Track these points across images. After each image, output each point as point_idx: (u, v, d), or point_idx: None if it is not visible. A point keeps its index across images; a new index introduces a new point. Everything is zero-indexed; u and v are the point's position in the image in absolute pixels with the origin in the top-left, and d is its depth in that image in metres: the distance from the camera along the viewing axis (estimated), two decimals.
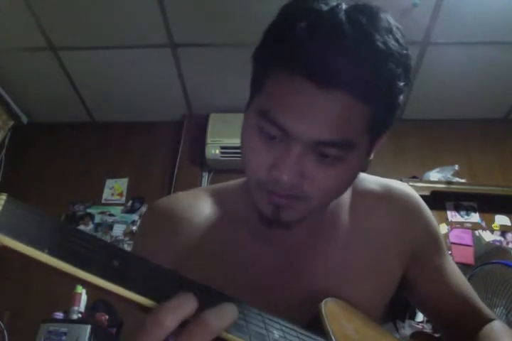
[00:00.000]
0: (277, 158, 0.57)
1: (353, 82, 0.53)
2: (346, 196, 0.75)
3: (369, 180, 0.78)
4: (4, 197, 0.36)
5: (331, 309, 0.61)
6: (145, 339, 0.37)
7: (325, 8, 0.55)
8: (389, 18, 0.57)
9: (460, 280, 0.80)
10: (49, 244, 0.35)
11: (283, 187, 0.58)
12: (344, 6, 0.55)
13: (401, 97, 0.59)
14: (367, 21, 0.54)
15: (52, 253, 0.34)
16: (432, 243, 0.79)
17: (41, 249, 0.34)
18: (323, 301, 0.61)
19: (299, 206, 0.60)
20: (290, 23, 0.56)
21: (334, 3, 0.55)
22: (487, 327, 0.76)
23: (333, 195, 0.64)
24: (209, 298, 0.41)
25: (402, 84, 0.56)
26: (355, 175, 0.64)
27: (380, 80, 0.54)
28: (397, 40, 0.56)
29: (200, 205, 0.74)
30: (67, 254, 0.35)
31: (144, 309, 0.38)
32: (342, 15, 0.54)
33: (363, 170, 0.77)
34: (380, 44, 0.53)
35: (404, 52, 0.57)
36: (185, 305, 0.38)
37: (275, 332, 0.45)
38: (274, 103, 0.57)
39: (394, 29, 0.56)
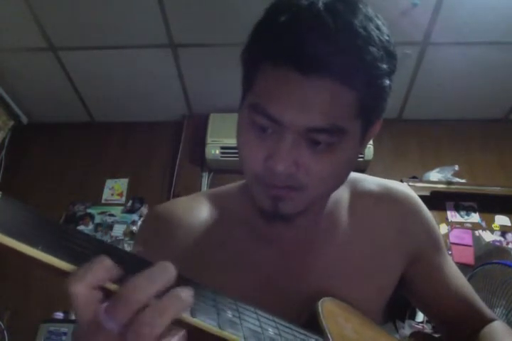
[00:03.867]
0: (271, 149, 0.58)
1: (336, 68, 0.54)
2: (345, 196, 0.75)
3: (368, 180, 0.78)
4: None
5: (328, 308, 0.61)
6: (77, 313, 0.36)
7: (305, 2, 0.56)
8: (368, 9, 0.58)
9: (460, 280, 0.80)
10: (43, 240, 0.35)
11: (279, 177, 0.58)
12: None
13: (387, 81, 0.59)
14: (344, 9, 0.55)
15: (46, 249, 0.35)
16: (432, 243, 0.79)
17: (35, 245, 0.34)
18: (320, 300, 0.62)
19: (297, 197, 0.61)
20: (271, 19, 0.57)
21: None
22: (488, 328, 0.76)
23: (329, 183, 0.64)
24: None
25: (385, 66, 0.57)
26: (350, 164, 0.64)
27: (362, 64, 0.55)
28: (377, 27, 0.57)
29: (199, 209, 0.75)
30: (61, 251, 0.36)
31: None
32: (320, 6, 0.55)
33: (362, 172, 0.77)
34: (359, 29, 0.54)
35: (386, 38, 0.58)
36: (93, 268, 0.35)
37: (270, 329, 0.45)
38: (262, 95, 0.58)
39: (374, 18, 0.57)
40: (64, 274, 0.36)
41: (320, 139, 0.57)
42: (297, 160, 0.58)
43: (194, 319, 0.38)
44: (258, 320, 0.45)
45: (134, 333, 0.34)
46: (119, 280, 0.36)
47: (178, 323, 0.37)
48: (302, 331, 0.51)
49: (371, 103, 0.59)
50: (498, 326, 0.77)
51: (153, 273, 0.36)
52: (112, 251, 0.39)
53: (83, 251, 0.37)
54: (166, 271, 0.37)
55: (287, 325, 0.49)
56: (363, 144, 0.65)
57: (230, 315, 0.42)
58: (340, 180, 0.66)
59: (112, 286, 0.36)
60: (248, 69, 0.62)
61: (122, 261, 0.38)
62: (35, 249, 0.34)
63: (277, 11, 0.57)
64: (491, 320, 0.79)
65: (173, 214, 0.74)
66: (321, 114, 0.56)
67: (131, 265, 0.38)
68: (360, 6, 0.57)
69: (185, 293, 0.37)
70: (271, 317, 0.48)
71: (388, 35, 0.58)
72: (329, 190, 0.67)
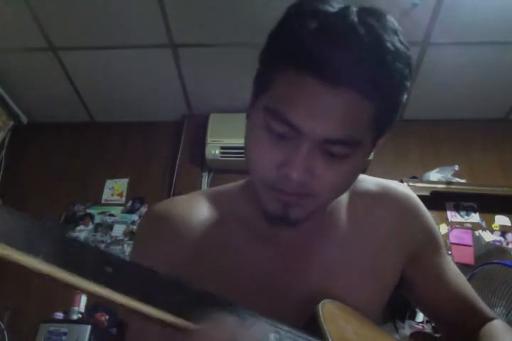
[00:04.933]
0: (287, 156, 0.58)
1: (364, 82, 0.54)
2: (344, 196, 0.75)
3: (367, 180, 0.79)
4: None
5: (328, 310, 0.61)
6: None
7: (332, 9, 0.56)
8: (393, 20, 0.58)
9: (460, 279, 0.80)
10: (43, 250, 0.35)
11: (292, 185, 0.58)
12: (354, 8, 0.56)
13: (405, 96, 0.60)
14: (377, 23, 0.55)
15: (46, 259, 0.35)
16: (431, 243, 0.79)
17: (35, 255, 0.34)
18: (321, 302, 0.62)
19: (307, 203, 0.61)
20: (299, 23, 0.56)
21: (341, 5, 0.56)
22: (487, 326, 0.76)
23: (338, 191, 0.65)
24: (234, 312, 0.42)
25: (408, 83, 0.58)
26: (359, 171, 0.65)
27: (390, 80, 0.55)
28: (401, 41, 0.57)
29: (198, 208, 0.74)
30: (61, 261, 0.36)
31: (139, 314, 0.38)
32: (354, 17, 0.55)
33: (362, 171, 0.77)
34: (389, 45, 0.55)
35: (409, 53, 0.58)
36: (225, 330, 0.39)
37: (271, 334, 0.45)
38: (283, 101, 0.57)
39: (398, 31, 0.58)
40: (67, 284, 0.36)
41: (335, 150, 0.57)
42: (311, 169, 0.58)
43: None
44: None
45: None
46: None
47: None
48: (303, 335, 0.51)
49: (388, 116, 0.60)
50: (497, 325, 0.77)
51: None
52: (120, 263, 0.40)
53: (84, 261, 0.37)
54: None
55: (288, 329, 0.49)
56: (371, 152, 0.65)
57: None
58: (348, 186, 0.67)
59: None
60: (266, 70, 0.61)
61: (123, 271, 0.39)
62: (36, 259, 0.34)
63: (303, 16, 0.56)
64: (491, 319, 0.79)
65: (172, 214, 0.73)
66: (341, 125, 0.56)
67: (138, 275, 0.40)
68: (388, 17, 0.57)
69: None
70: (271, 322, 0.48)
71: (409, 49, 0.58)
72: (337, 195, 0.68)
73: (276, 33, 0.60)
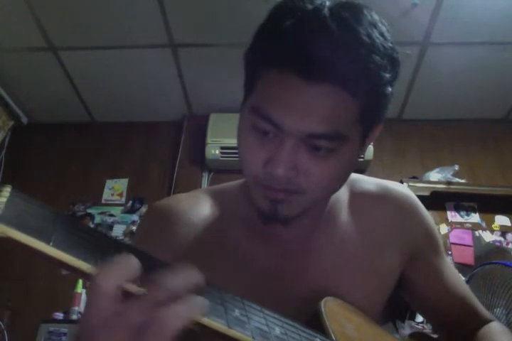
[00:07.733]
0: (271, 153, 0.58)
1: (339, 75, 0.54)
2: (344, 196, 0.75)
3: (367, 181, 0.79)
4: (9, 188, 0.35)
5: (330, 308, 0.61)
6: (90, 310, 0.35)
7: (310, 6, 0.56)
8: (373, 14, 0.58)
9: (458, 281, 0.80)
10: (54, 236, 0.35)
11: (278, 181, 0.59)
12: (328, 4, 0.56)
13: (389, 88, 0.59)
14: (350, 16, 0.55)
15: (58, 245, 0.34)
16: (430, 243, 0.79)
17: (46, 241, 0.34)
18: (323, 300, 0.62)
19: (296, 200, 0.61)
20: (276, 22, 0.57)
21: (319, 2, 0.57)
22: (485, 328, 0.77)
23: (328, 187, 0.64)
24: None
25: (388, 75, 0.57)
26: (349, 168, 0.65)
27: (365, 72, 0.55)
28: (381, 34, 0.57)
29: (199, 206, 0.75)
30: (72, 247, 0.35)
31: None
32: (325, 12, 0.55)
33: (362, 172, 0.77)
34: (363, 37, 0.54)
35: (390, 45, 0.58)
36: (122, 266, 0.35)
37: (276, 328, 0.45)
38: (264, 99, 0.58)
39: (379, 24, 0.57)
40: (78, 271, 0.35)
41: (320, 145, 0.58)
42: (297, 165, 0.58)
43: (204, 318, 0.38)
44: (265, 318, 0.45)
45: (152, 333, 0.34)
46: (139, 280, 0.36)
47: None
48: (306, 330, 0.51)
49: (372, 110, 0.60)
50: (495, 327, 0.77)
51: (180, 278, 0.36)
52: (126, 248, 0.39)
53: (95, 248, 0.37)
54: (194, 277, 0.37)
55: (292, 323, 0.49)
56: (362, 148, 0.65)
57: (237, 314, 0.42)
58: (339, 183, 0.66)
59: (134, 288, 0.36)
60: (251, 71, 0.62)
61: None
62: (47, 245, 0.34)
63: (282, 14, 0.57)
64: (489, 321, 0.79)
65: (173, 210, 0.74)
66: (322, 120, 0.56)
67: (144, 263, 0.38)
68: (365, 11, 0.57)
69: (202, 302, 0.37)
70: (276, 316, 0.47)
71: (392, 42, 0.58)
72: (328, 193, 0.67)
73: (257, 33, 0.61)
